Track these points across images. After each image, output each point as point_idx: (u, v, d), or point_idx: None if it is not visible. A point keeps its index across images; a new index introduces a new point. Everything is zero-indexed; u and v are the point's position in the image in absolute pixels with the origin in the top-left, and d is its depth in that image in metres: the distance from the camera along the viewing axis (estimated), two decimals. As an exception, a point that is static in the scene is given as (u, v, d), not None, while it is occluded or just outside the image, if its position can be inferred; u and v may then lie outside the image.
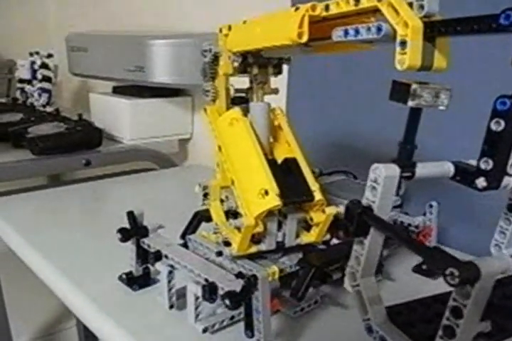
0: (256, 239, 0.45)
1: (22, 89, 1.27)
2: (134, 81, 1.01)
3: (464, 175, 0.29)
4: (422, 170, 0.29)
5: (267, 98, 0.49)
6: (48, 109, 1.20)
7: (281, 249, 0.46)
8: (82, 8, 1.56)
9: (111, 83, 1.17)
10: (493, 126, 0.27)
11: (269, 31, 0.38)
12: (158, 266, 0.47)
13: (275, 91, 0.49)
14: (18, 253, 0.64)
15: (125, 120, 1.06)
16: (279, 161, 0.46)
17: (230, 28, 0.44)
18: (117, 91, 1.15)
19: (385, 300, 0.49)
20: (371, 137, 0.75)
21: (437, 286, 0.53)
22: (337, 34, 0.33)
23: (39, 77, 1.20)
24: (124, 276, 0.52)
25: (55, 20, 1.73)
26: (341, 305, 0.50)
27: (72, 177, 1.41)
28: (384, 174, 0.27)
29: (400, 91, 0.30)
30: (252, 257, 0.46)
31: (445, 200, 0.57)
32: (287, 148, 0.47)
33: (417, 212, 0.57)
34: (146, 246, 0.50)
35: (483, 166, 0.28)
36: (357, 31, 0.32)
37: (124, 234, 0.49)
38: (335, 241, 0.50)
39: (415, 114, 0.30)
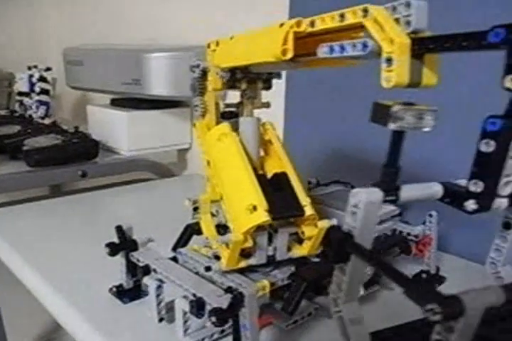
0: (246, 253, 0.44)
1: (21, 102, 1.28)
2: (131, 94, 1.01)
3: (454, 197, 0.28)
4: (407, 193, 0.27)
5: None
6: (46, 121, 1.21)
7: (273, 262, 0.46)
8: (81, 22, 1.57)
9: (109, 95, 1.18)
10: (483, 147, 0.26)
11: (254, 48, 0.37)
12: (146, 280, 0.47)
13: (266, 105, 0.48)
14: (9, 265, 0.64)
15: (123, 132, 1.06)
16: (270, 176, 0.46)
17: (217, 43, 0.44)
18: (115, 103, 1.15)
19: (382, 312, 0.48)
20: (369, 147, 0.74)
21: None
22: (322, 51, 0.32)
23: (37, 89, 1.21)
24: (114, 289, 0.52)
25: (55, 33, 1.74)
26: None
27: (70, 188, 1.41)
28: (365, 200, 0.26)
29: (381, 113, 0.28)
30: (243, 270, 0.45)
31: (445, 207, 0.56)
32: (278, 163, 0.47)
33: (416, 220, 0.56)
34: (135, 260, 0.49)
35: (473, 188, 0.27)
36: (342, 48, 0.31)
37: (112, 249, 0.49)
38: (328, 253, 0.50)
39: (398, 136, 0.29)
